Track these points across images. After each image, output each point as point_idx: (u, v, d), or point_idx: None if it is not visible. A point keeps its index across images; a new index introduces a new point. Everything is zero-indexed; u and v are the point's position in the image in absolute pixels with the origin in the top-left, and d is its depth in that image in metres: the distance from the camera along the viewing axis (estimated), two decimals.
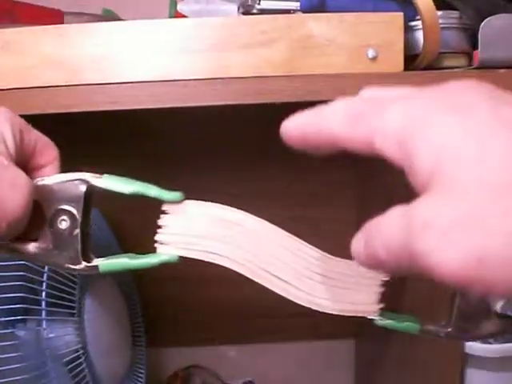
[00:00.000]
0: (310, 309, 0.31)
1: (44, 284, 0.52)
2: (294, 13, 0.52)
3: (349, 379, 0.93)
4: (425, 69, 0.50)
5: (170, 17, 0.68)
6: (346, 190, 0.87)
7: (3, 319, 0.53)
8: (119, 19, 0.74)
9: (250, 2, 0.53)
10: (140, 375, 0.71)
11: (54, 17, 0.69)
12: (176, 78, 0.45)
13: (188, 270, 0.86)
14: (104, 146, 0.80)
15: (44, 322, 0.52)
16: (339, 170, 0.85)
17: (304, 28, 0.46)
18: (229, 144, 0.82)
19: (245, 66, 0.44)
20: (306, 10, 0.51)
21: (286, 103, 0.44)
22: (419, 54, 0.50)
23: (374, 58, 0.46)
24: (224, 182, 0.83)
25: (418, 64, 0.51)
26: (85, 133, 0.72)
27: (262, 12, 0.53)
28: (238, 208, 0.33)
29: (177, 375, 0.84)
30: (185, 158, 0.82)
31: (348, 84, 0.45)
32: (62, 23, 0.69)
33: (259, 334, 0.91)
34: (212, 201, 0.32)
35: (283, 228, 0.32)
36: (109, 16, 0.76)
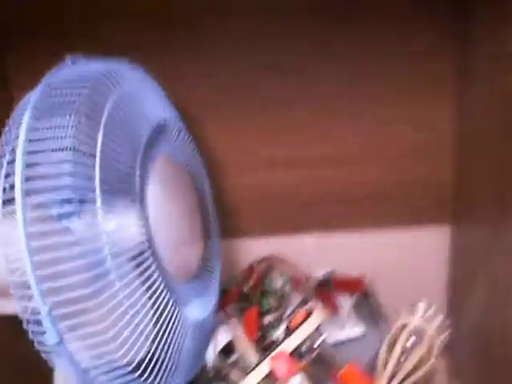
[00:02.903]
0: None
1: (97, 168, 0.44)
2: None
3: (439, 269, 0.83)
4: None
5: None
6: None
7: (55, 212, 0.45)
8: None
9: None
10: (214, 269, 0.64)
11: None
12: None
13: (263, 155, 0.78)
14: None
15: (100, 213, 0.44)
16: None
17: None
18: None
19: None
20: None
21: None
22: None
23: None
24: None
25: None
26: None
27: None
28: None
29: (252, 268, 0.76)
30: None
31: None
32: None
33: (339, 221, 0.82)
34: None
35: None
36: None
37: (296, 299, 0.71)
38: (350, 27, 0.73)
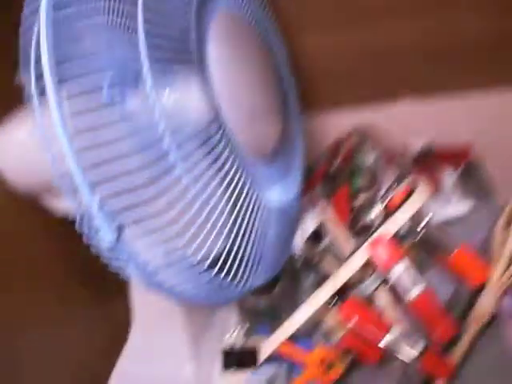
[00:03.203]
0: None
1: (140, 29, 0.34)
2: None
3: None
4: None
5: None
6: None
7: (105, 86, 0.37)
8: None
9: None
10: (296, 147, 0.54)
11: None
12: None
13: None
14: None
15: (152, 84, 0.35)
16: None
17: None
18: None
19: None
20: None
21: None
22: None
23: None
24: None
25: None
26: None
27: None
28: None
29: (339, 144, 0.67)
30: None
31: None
32: None
33: (438, 83, 0.69)
34: None
35: None
36: None
37: (391, 176, 0.62)
38: None
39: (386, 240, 0.50)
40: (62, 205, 0.52)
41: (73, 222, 0.38)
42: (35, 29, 0.36)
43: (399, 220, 0.51)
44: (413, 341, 0.49)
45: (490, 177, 0.67)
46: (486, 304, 0.51)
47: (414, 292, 0.48)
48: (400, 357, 0.49)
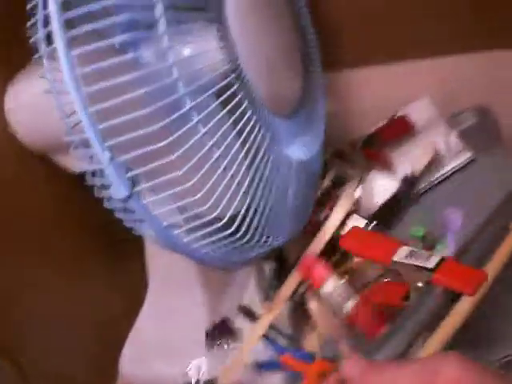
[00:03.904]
0: None
1: None
2: None
3: None
4: None
5: None
6: None
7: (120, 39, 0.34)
8: None
9: None
10: (317, 103, 0.52)
11: None
12: None
13: None
14: None
15: (163, 27, 0.33)
16: None
17: None
18: None
19: None
20: None
21: None
22: None
23: None
24: None
25: None
26: None
27: None
28: None
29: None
30: None
31: None
32: None
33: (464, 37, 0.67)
34: None
35: None
36: None
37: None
38: None
39: (313, 259, 0.50)
40: (74, 162, 0.51)
41: (86, 179, 0.36)
42: None
43: (323, 239, 0.52)
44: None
45: (497, 127, 0.64)
46: None
47: (347, 306, 0.48)
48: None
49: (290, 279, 0.51)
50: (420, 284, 0.46)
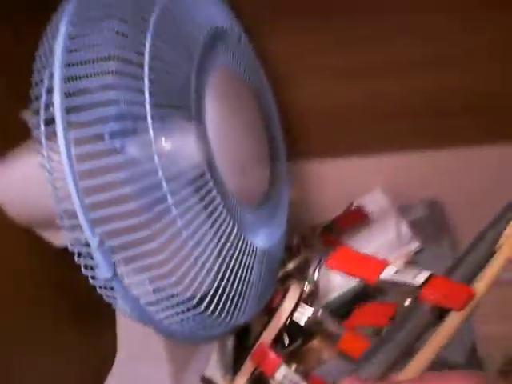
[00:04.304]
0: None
1: (146, 77, 0.38)
2: None
3: None
4: None
5: None
6: None
7: (107, 130, 0.40)
8: None
9: None
10: (282, 195, 0.58)
11: None
12: None
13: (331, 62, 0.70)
14: None
15: (152, 130, 0.38)
16: None
17: None
18: None
19: None
20: None
21: None
22: None
23: None
24: None
25: None
26: None
27: None
28: None
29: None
30: None
31: None
32: None
33: (421, 138, 0.74)
34: None
35: None
36: None
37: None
38: None
39: (265, 348, 0.53)
40: (59, 238, 0.55)
41: (68, 254, 0.41)
42: (46, 81, 0.40)
43: (273, 328, 0.55)
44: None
45: (445, 221, 0.71)
46: None
47: None
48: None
49: (245, 366, 0.54)
50: (407, 302, 0.45)
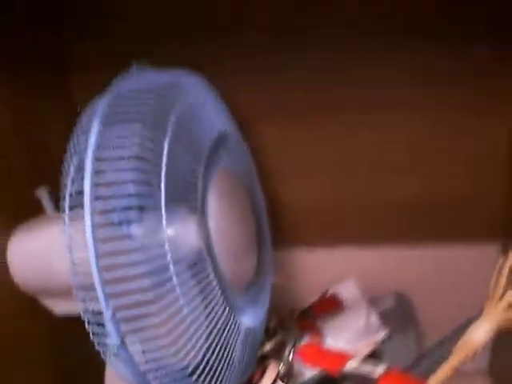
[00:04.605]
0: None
1: (163, 177, 0.45)
2: None
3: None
4: None
5: None
6: None
7: (116, 218, 0.46)
8: None
9: None
10: (266, 279, 0.64)
11: None
12: None
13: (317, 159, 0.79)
14: None
15: (163, 220, 0.45)
16: None
17: None
18: None
19: None
20: None
21: None
22: None
23: None
24: None
25: None
26: None
27: None
28: None
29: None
30: None
31: None
32: None
33: (396, 234, 0.82)
34: None
35: None
36: None
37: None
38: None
39: None
40: (59, 306, 0.61)
41: (69, 322, 0.46)
42: (72, 170, 0.47)
43: None
44: None
45: (412, 313, 0.77)
46: None
47: None
48: None
49: None
50: None
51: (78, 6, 0.73)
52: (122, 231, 0.46)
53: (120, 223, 0.46)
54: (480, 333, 0.49)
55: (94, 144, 0.44)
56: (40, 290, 0.61)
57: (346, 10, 0.70)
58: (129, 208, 0.46)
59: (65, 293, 0.57)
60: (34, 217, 0.64)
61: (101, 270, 0.42)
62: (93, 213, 0.43)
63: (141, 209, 0.47)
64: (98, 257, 0.42)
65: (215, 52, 0.73)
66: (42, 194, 0.65)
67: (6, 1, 0.61)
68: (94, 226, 0.43)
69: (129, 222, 0.47)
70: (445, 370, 0.50)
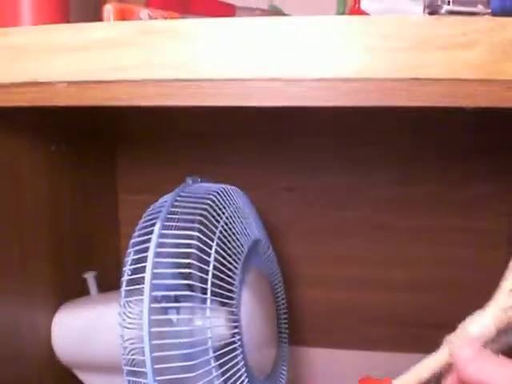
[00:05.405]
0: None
1: (210, 274, 0.53)
2: (483, 15, 0.50)
3: None
4: None
5: (338, 14, 0.68)
6: None
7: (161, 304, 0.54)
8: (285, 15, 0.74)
9: (439, 3, 0.51)
10: (281, 372, 0.71)
11: (227, 10, 0.70)
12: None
13: (333, 272, 0.87)
14: None
15: (209, 313, 0.53)
16: None
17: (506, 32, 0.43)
18: None
19: (442, 68, 0.42)
20: (497, 13, 0.48)
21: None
22: None
23: None
24: None
25: None
26: None
27: (450, 13, 0.51)
28: None
29: None
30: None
31: None
32: (234, 17, 0.70)
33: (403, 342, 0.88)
34: None
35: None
36: (276, 12, 0.76)
37: None
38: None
39: None
40: (94, 381, 0.67)
41: None
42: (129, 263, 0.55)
43: None
44: None
45: None
46: None
47: None
48: None
49: None
50: None
51: None
52: (164, 316, 0.54)
53: (162, 309, 0.54)
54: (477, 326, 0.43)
55: (155, 242, 0.53)
56: (78, 364, 0.68)
57: None
58: (167, 298, 0.54)
59: (103, 368, 0.65)
60: (78, 296, 0.72)
61: (152, 348, 0.50)
62: (151, 299, 0.51)
63: (177, 300, 0.55)
64: (151, 336, 0.50)
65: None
66: (89, 277, 0.73)
67: None
68: (150, 312, 0.50)
69: (167, 309, 0.55)
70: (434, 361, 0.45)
